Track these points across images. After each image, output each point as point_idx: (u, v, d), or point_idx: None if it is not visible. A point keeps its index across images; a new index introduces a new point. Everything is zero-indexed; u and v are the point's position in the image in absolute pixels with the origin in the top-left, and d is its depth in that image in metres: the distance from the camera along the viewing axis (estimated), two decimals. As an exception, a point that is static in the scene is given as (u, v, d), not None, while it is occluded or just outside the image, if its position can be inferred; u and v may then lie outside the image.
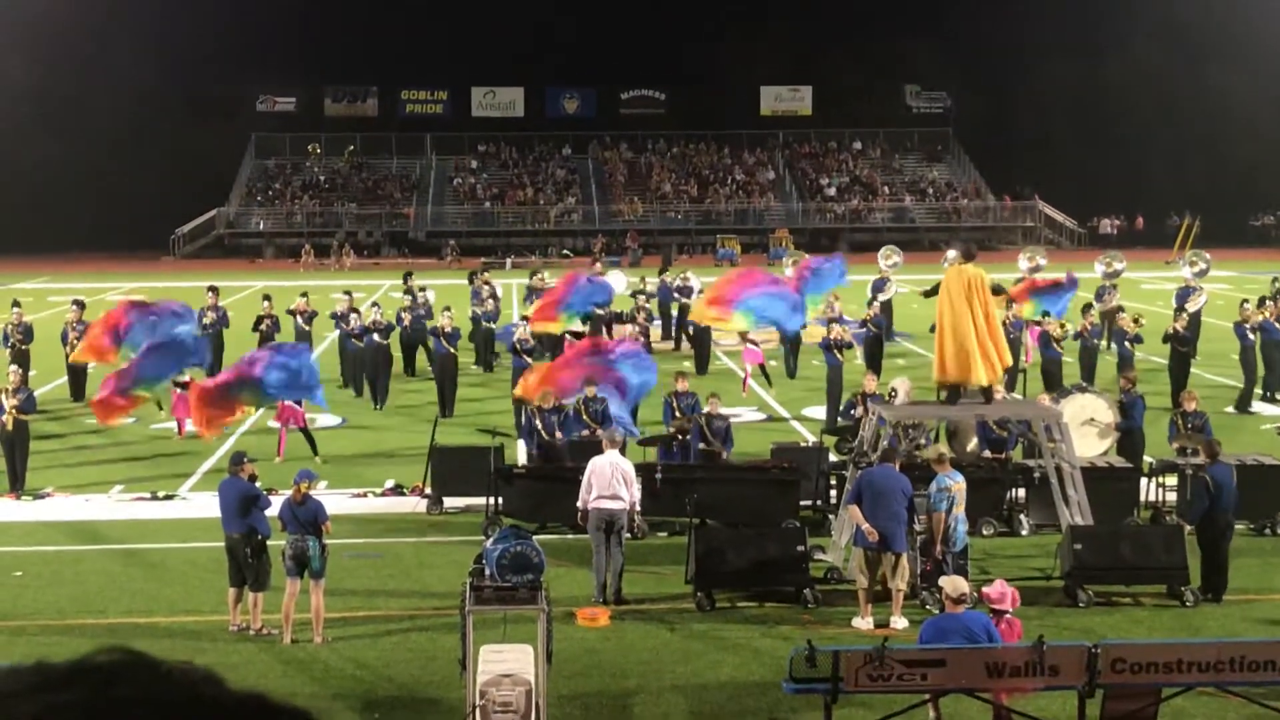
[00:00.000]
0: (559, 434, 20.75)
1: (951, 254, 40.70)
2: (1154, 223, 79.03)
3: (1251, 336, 28.62)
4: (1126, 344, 27.95)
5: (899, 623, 15.17)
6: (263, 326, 30.85)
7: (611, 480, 16.52)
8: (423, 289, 34.86)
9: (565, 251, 70.81)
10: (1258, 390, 28.55)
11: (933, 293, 18.95)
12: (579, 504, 16.72)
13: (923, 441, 18.85)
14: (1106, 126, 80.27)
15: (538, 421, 20.74)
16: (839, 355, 26.84)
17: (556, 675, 13.30)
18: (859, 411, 20.86)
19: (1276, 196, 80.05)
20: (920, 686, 11.64)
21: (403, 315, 31.64)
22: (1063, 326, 28.32)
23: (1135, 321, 28.36)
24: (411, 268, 44.92)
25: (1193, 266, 36.30)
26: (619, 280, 39.69)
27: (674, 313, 36.36)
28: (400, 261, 68.41)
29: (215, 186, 78.43)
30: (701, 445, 20.73)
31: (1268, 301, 30.33)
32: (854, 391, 22.27)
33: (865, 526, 15.34)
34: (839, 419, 22.49)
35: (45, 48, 72.50)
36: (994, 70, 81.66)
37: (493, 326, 33.56)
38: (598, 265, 39.77)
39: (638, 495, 17.27)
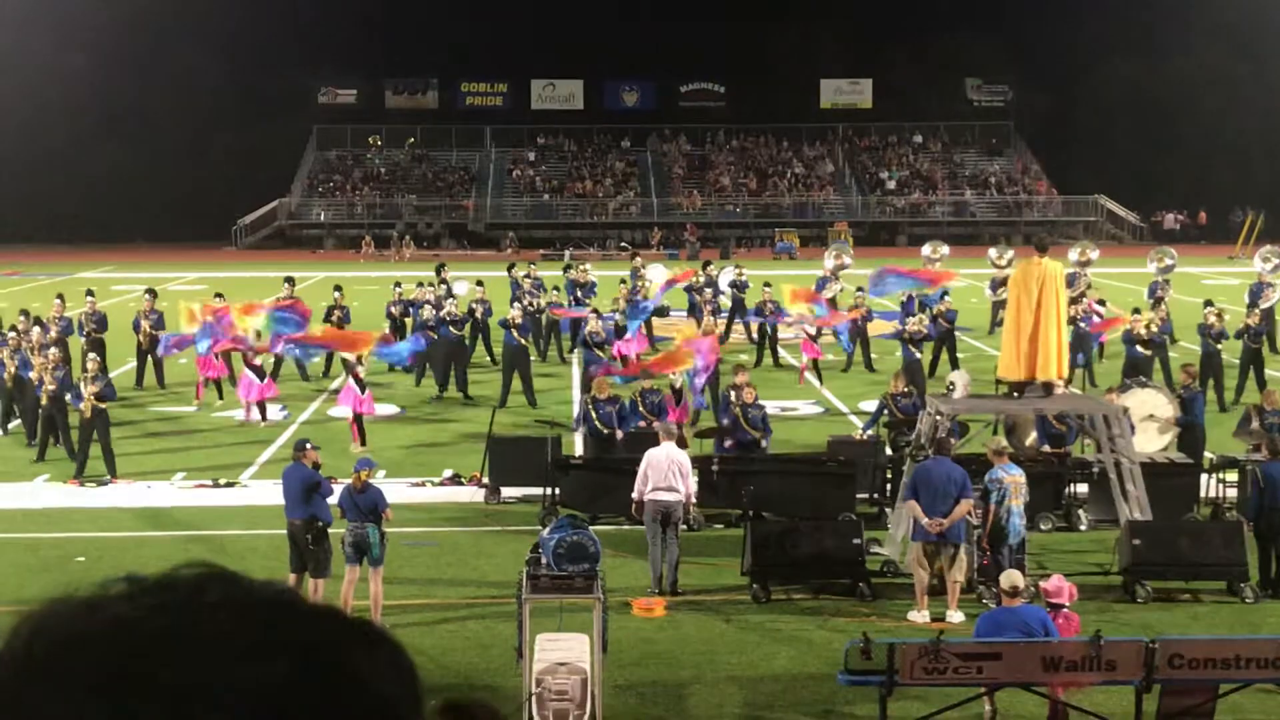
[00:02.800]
0: (618, 430, 20.73)
1: (993, 252, 40.53)
2: (1217, 218, 78.23)
3: None
4: (1211, 341, 27.60)
5: (955, 616, 15.13)
6: (334, 317, 31.01)
7: (668, 472, 16.55)
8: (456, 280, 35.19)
9: (624, 244, 70.86)
10: None
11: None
12: (634, 495, 16.75)
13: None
14: (1169, 121, 79.51)
15: (593, 412, 20.76)
16: (916, 350, 26.67)
17: (612, 664, 13.37)
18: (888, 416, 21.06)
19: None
20: (976, 680, 11.65)
21: (474, 307, 31.73)
22: (1149, 326, 27.59)
23: (1219, 317, 27.96)
24: (465, 259, 45.01)
25: (1267, 263, 35.84)
26: (660, 273, 39.70)
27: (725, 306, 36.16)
28: (460, 254, 68.77)
29: (277, 178, 79.06)
30: (728, 443, 20.68)
31: None
32: (882, 394, 22.26)
33: (925, 520, 15.29)
34: (868, 429, 22.21)
35: (111, 45, 73.39)
36: (1056, 64, 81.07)
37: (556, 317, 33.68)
38: (637, 260, 39.77)
39: (694, 487, 17.31)
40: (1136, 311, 28.80)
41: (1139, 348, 27.11)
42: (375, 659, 1.25)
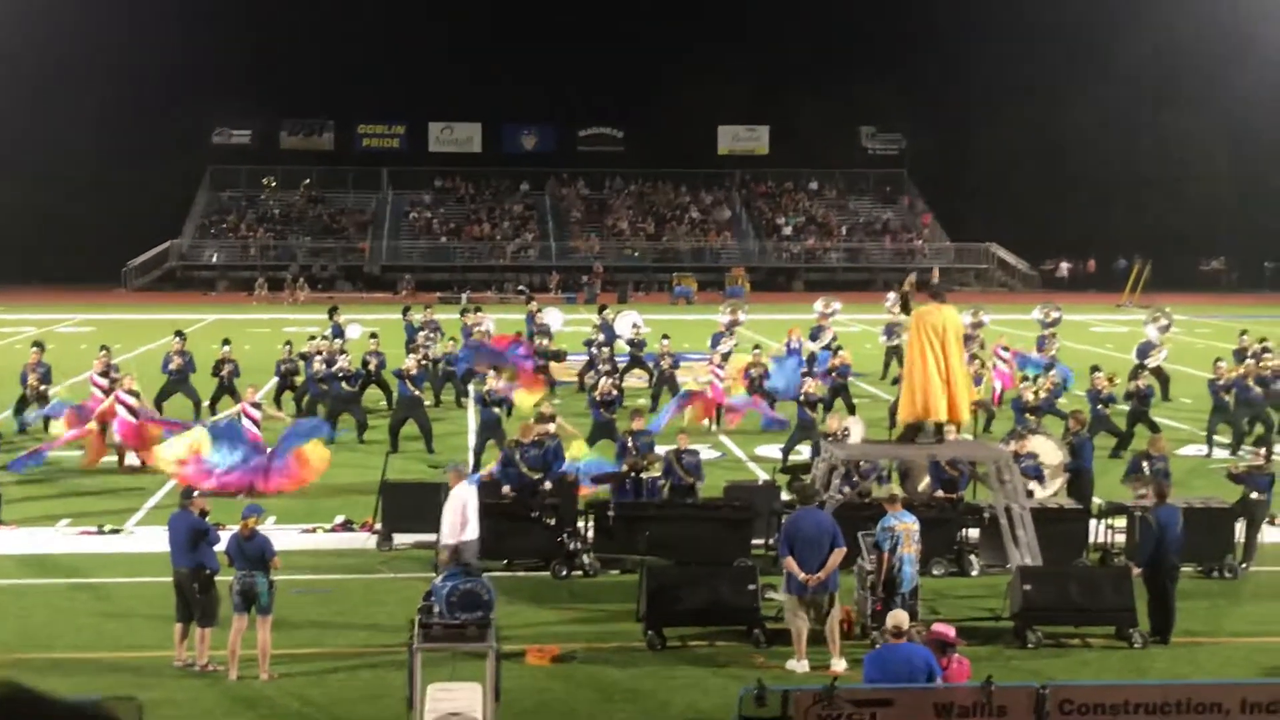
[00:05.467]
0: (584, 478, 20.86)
1: (891, 297, 40.71)
2: (1106, 265, 79.74)
3: (1226, 397, 28.27)
4: (1100, 406, 27.67)
5: (839, 665, 15.05)
6: (223, 371, 30.48)
7: (467, 513, 17.16)
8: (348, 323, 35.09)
9: (521, 288, 70.79)
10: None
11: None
12: (450, 539, 17.05)
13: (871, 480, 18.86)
14: (1060, 170, 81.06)
15: (517, 455, 20.28)
16: (810, 410, 26.00)
17: (505, 714, 13.22)
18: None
19: (1227, 242, 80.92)
20: (869, 727, 11.63)
21: (369, 359, 31.06)
22: (1036, 394, 27.55)
23: (1110, 381, 28.11)
24: (360, 302, 44.66)
25: (1156, 323, 36.21)
26: (556, 317, 39.66)
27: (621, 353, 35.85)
28: (355, 296, 68.33)
29: (169, 219, 78.07)
30: (662, 482, 20.70)
31: (1248, 360, 30.19)
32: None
33: (802, 576, 15.21)
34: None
35: (0, 79, 72.10)
36: (950, 113, 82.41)
37: (454, 369, 33.18)
38: (533, 305, 39.78)
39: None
40: (1025, 379, 29.08)
41: (1027, 415, 26.76)
42: None
